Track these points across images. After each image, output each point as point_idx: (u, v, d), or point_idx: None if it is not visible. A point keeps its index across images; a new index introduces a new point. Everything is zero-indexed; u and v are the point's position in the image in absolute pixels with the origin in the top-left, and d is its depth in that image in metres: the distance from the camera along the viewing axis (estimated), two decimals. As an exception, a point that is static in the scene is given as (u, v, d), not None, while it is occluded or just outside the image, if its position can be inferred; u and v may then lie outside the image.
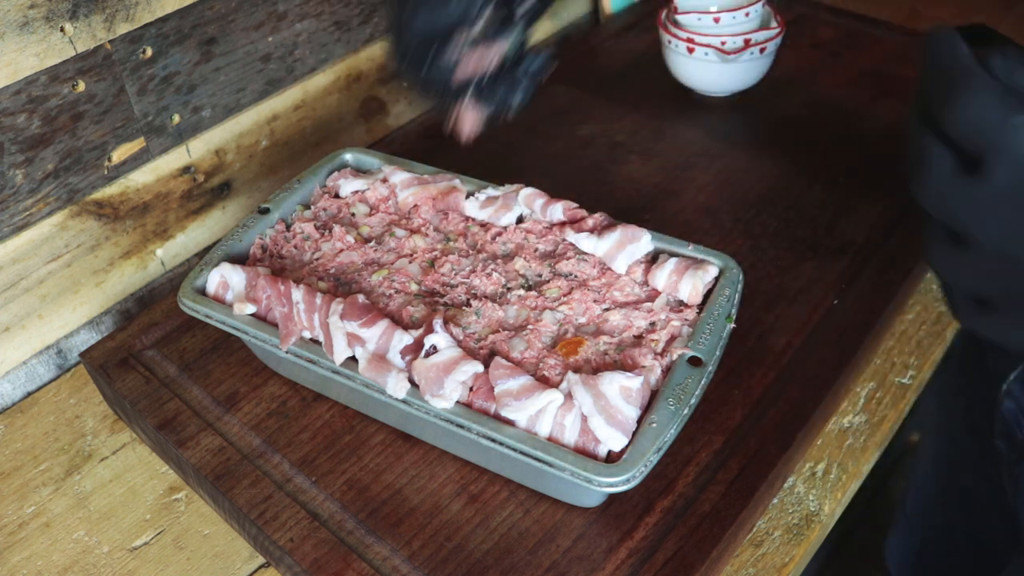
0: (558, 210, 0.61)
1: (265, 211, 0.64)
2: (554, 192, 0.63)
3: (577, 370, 0.51)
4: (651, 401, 0.49)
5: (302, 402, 0.60)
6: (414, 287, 0.58)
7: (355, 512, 0.53)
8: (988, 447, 0.69)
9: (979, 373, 0.69)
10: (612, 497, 0.53)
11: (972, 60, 0.34)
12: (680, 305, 0.55)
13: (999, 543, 0.74)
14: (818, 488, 0.57)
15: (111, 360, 0.65)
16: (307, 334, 0.54)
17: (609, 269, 0.58)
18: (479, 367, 0.50)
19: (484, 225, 0.62)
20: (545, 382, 0.50)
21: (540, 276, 0.58)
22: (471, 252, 0.60)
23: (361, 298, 0.54)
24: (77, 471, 0.63)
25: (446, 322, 0.53)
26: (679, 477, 0.54)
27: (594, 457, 0.47)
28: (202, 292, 0.58)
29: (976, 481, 0.78)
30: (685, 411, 0.48)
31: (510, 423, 0.48)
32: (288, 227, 0.64)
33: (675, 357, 0.51)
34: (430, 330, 0.52)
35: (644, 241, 0.58)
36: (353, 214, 0.64)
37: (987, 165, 0.32)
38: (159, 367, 0.64)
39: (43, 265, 0.68)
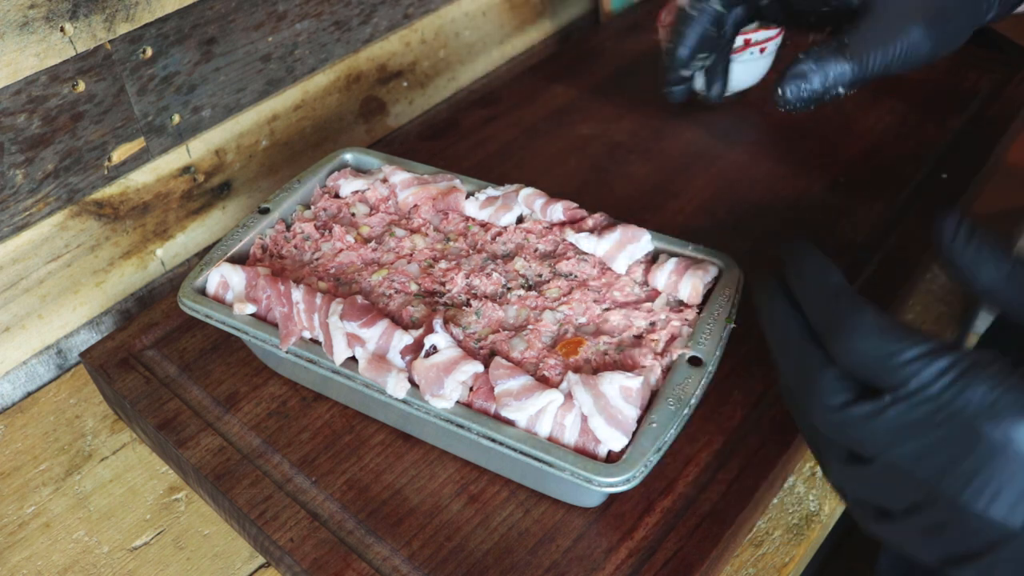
0: (558, 210, 0.61)
1: (265, 211, 0.64)
2: (554, 192, 0.63)
3: (577, 370, 0.51)
4: (651, 401, 0.49)
5: (302, 402, 0.60)
6: (414, 287, 0.58)
7: (355, 512, 0.53)
8: None
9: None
10: (612, 497, 0.53)
11: (847, 292, 0.37)
12: (680, 305, 0.55)
13: None
14: (818, 488, 0.57)
15: (111, 360, 0.65)
16: (307, 334, 0.54)
17: (609, 269, 0.58)
18: (479, 367, 0.50)
19: (484, 225, 0.62)
20: (545, 382, 0.50)
21: (540, 276, 0.58)
22: (471, 252, 0.60)
23: (360, 298, 0.54)
24: (77, 471, 0.63)
25: (446, 322, 0.53)
26: (679, 477, 0.54)
27: (594, 457, 0.47)
28: (202, 292, 0.58)
29: None
30: (685, 411, 0.48)
31: (510, 423, 0.48)
32: (288, 227, 0.64)
33: (675, 357, 0.51)
34: (430, 330, 0.52)
35: (644, 241, 0.58)
36: (353, 214, 0.64)
37: (884, 398, 0.35)
38: (159, 367, 0.64)
39: (43, 265, 0.68)
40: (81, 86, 0.65)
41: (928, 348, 0.35)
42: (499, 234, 0.62)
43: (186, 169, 0.76)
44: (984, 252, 0.38)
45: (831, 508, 0.56)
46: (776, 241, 0.70)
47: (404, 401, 0.51)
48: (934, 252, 0.41)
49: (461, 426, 0.49)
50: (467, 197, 0.63)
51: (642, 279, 0.57)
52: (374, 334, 0.52)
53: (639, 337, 0.53)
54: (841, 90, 0.51)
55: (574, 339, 0.53)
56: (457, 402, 0.50)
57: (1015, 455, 0.33)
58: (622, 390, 0.48)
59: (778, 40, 0.82)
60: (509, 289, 0.57)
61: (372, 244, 0.61)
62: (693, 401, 0.49)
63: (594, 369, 0.51)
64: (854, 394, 0.36)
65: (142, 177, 0.73)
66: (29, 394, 0.70)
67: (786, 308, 0.40)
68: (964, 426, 0.34)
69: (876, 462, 0.35)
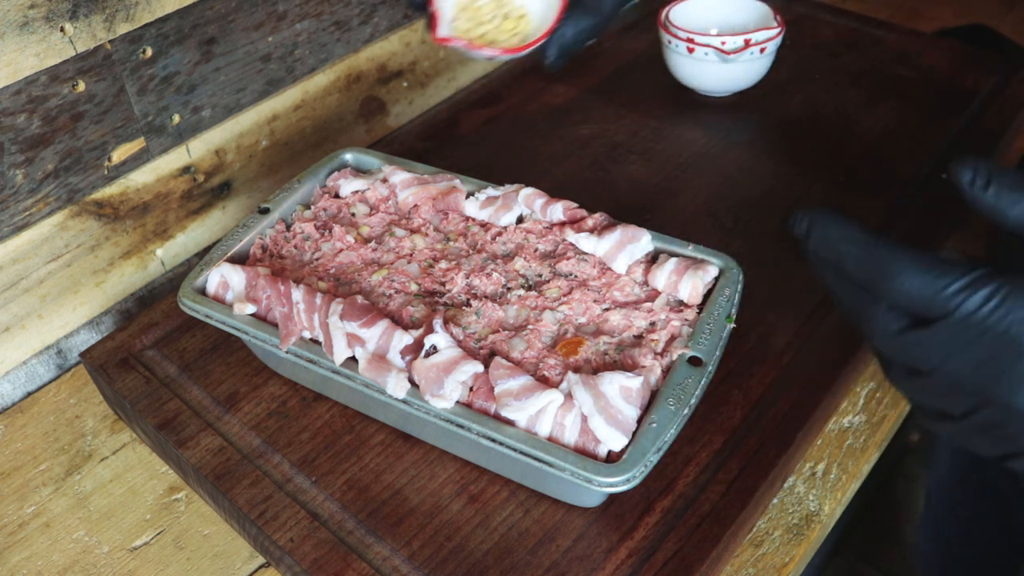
0: (558, 210, 0.61)
1: (265, 211, 0.64)
2: (554, 192, 0.63)
3: (577, 370, 0.51)
4: (651, 401, 0.49)
5: (302, 402, 0.60)
6: (414, 287, 0.58)
7: (355, 512, 0.53)
8: None
9: None
10: (612, 497, 0.53)
11: (877, 241, 0.41)
12: (680, 305, 0.55)
13: None
14: (818, 488, 0.57)
15: (111, 360, 0.65)
16: (307, 334, 0.54)
17: (609, 269, 0.58)
18: (479, 367, 0.50)
19: (484, 225, 0.62)
20: (545, 382, 0.50)
21: (540, 276, 0.58)
22: (471, 252, 0.60)
23: (360, 298, 0.54)
24: (77, 471, 0.63)
25: (446, 322, 0.53)
26: (679, 477, 0.54)
27: (594, 457, 0.47)
28: (202, 292, 0.58)
29: (998, 470, 0.77)
30: (685, 411, 0.48)
31: (510, 423, 0.48)
32: (288, 227, 0.64)
33: (675, 357, 0.51)
34: (430, 330, 0.52)
35: (644, 241, 0.58)
36: (353, 214, 0.64)
37: (936, 324, 0.39)
38: (159, 367, 0.64)
39: (43, 265, 0.68)
40: (81, 86, 0.65)
41: (969, 280, 0.39)
42: (499, 234, 0.62)
43: (186, 169, 0.76)
44: (1004, 194, 0.41)
45: (831, 508, 0.56)
46: (776, 241, 0.70)
47: (404, 401, 0.51)
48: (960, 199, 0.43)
49: (461, 426, 0.49)
50: (467, 197, 0.63)
51: (642, 279, 0.57)
52: (374, 334, 0.52)
53: (639, 337, 0.53)
54: (592, 40, 0.58)
55: (574, 339, 0.53)
56: (457, 402, 0.50)
57: None
58: (622, 390, 0.48)
59: (778, 40, 0.82)
60: (509, 289, 0.57)
61: (372, 244, 0.61)
62: (693, 401, 0.49)
63: (594, 369, 0.51)
64: (907, 321, 0.41)
65: (142, 177, 0.73)
66: (29, 394, 0.70)
67: (827, 265, 0.44)
68: (1009, 342, 0.38)
69: (933, 374, 0.40)
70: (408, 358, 0.52)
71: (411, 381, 0.51)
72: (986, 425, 0.40)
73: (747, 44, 0.81)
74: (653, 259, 0.58)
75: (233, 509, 0.55)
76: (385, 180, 0.66)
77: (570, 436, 0.48)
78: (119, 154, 0.70)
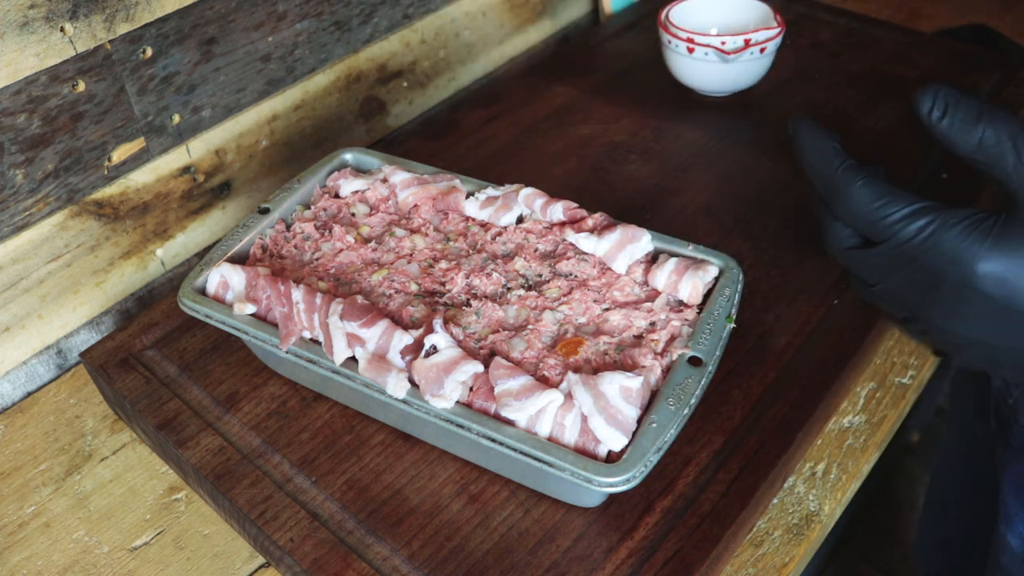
0: (558, 210, 0.61)
1: (265, 211, 0.64)
2: (554, 192, 0.63)
3: (577, 370, 0.51)
4: (651, 401, 0.49)
5: (302, 402, 0.60)
6: (414, 287, 0.58)
7: (355, 512, 0.53)
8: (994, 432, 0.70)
9: None
10: (612, 497, 0.53)
11: (841, 162, 0.49)
12: (680, 305, 0.55)
13: None
14: (818, 488, 0.57)
15: (111, 360, 0.65)
16: (307, 334, 0.54)
17: (609, 269, 0.58)
18: (479, 367, 0.50)
19: (484, 225, 0.62)
20: (545, 382, 0.50)
21: (540, 276, 0.58)
22: (471, 252, 0.60)
23: (360, 298, 0.54)
24: (77, 471, 0.63)
25: (446, 322, 0.54)
26: (679, 477, 0.54)
27: (594, 457, 0.47)
28: (202, 292, 0.58)
29: (989, 469, 0.78)
30: (685, 411, 0.48)
31: (510, 423, 0.48)
32: (288, 227, 0.64)
33: (675, 357, 0.51)
34: (430, 330, 0.52)
35: (644, 241, 0.58)
36: (353, 214, 0.64)
37: (876, 247, 0.49)
38: (159, 367, 0.64)
39: (43, 265, 0.68)
40: (81, 86, 0.65)
41: (910, 211, 0.46)
42: (499, 234, 0.62)
43: (186, 169, 0.76)
44: (957, 124, 0.45)
45: (831, 508, 0.56)
46: (776, 241, 0.70)
47: (404, 401, 0.51)
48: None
49: (461, 426, 0.49)
50: (467, 197, 0.63)
51: (642, 279, 0.57)
52: (374, 334, 0.52)
53: (639, 337, 0.53)
54: None
55: (574, 339, 0.53)
56: (457, 402, 0.50)
57: (967, 291, 0.45)
58: (622, 390, 0.48)
59: (778, 40, 0.82)
60: (509, 289, 0.57)
61: (372, 244, 0.61)
62: (693, 401, 0.49)
63: (594, 369, 0.51)
64: (857, 241, 0.50)
65: (142, 177, 0.73)
66: (29, 394, 0.70)
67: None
68: (930, 272, 0.46)
69: (876, 287, 0.51)
70: (408, 358, 0.52)
71: (411, 381, 0.51)
72: (919, 331, 0.53)
73: (747, 44, 0.81)
74: (653, 259, 0.58)
75: (233, 509, 0.55)
76: (385, 180, 0.66)
77: (570, 436, 0.48)
78: (119, 154, 0.70)
